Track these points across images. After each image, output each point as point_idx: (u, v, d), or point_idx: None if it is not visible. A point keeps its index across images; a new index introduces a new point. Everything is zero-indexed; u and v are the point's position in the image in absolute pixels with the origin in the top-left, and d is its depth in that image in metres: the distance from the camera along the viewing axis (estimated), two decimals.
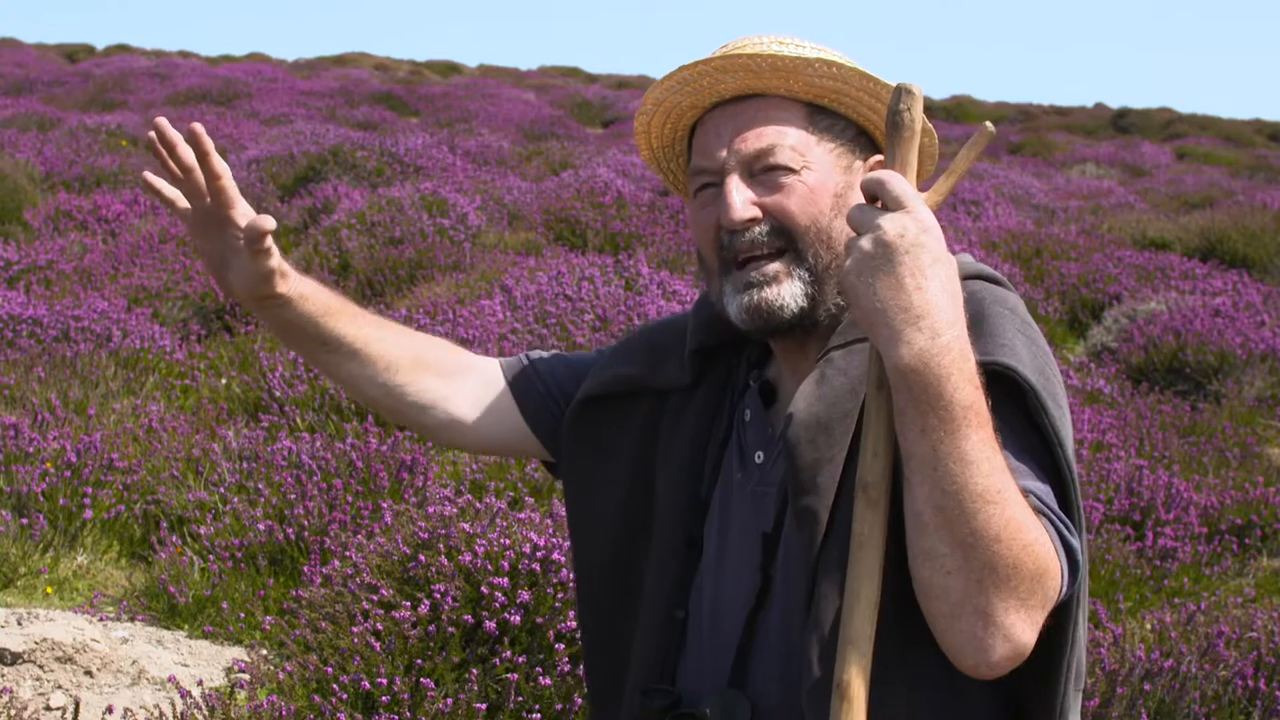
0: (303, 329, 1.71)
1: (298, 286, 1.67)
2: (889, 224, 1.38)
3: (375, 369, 1.75)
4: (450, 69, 37.10)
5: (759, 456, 1.65)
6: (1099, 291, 9.87)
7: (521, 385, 1.83)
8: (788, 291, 1.59)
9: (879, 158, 1.65)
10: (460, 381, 1.80)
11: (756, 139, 1.60)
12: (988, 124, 1.51)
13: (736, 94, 1.63)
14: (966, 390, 1.35)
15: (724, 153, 1.61)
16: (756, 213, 1.59)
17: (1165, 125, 30.66)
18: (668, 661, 1.66)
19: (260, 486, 5.10)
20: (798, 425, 1.54)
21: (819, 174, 1.60)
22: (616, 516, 1.75)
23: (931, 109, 32.41)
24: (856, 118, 1.64)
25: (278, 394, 6.36)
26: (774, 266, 1.59)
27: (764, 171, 1.59)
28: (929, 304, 1.36)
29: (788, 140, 1.60)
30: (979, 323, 1.48)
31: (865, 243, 1.39)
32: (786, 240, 1.59)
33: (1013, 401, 1.47)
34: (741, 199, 1.59)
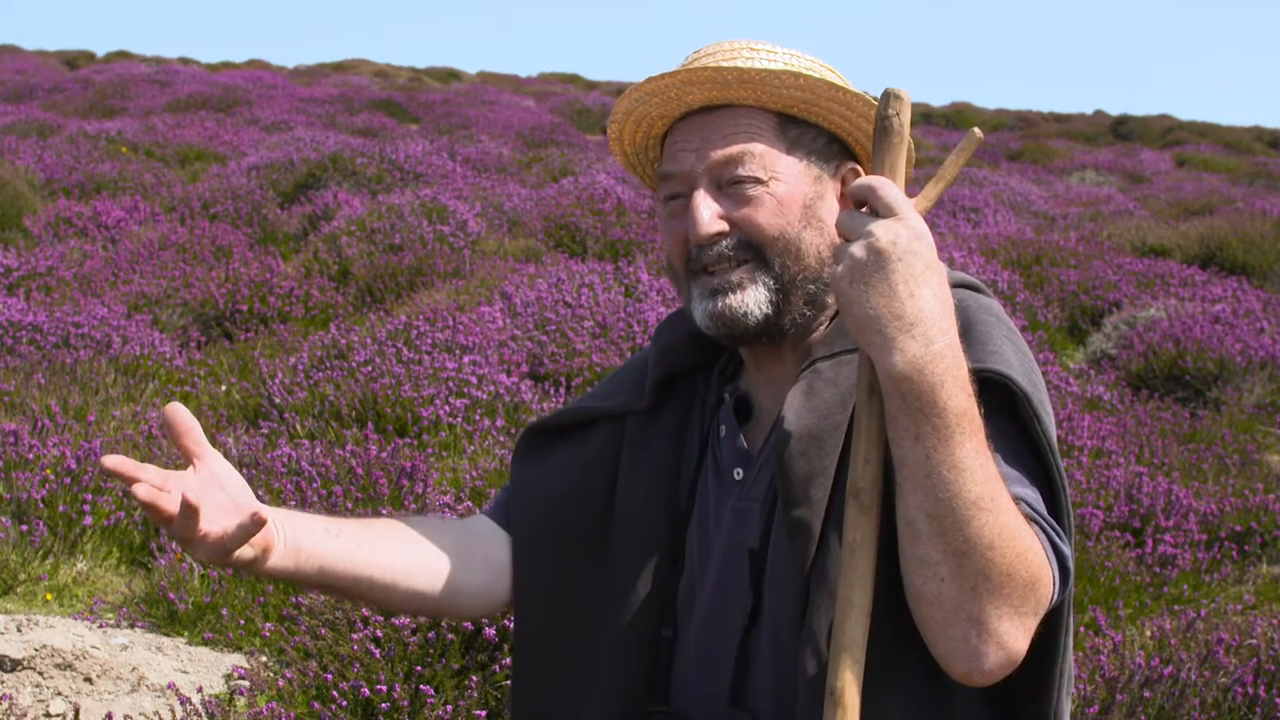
0: (298, 583, 1.62)
1: (281, 561, 1.51)
2: (881, 231, 1.37)
3: (395, 591, 1.64)
4: (450, 76, 37.12)
5: (738, 473, 1.64)
6: (1099, 298, 9.88)
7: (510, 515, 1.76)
8: (751, 298, 1.58)
9: (853, 165, 1.65)
10: (467, 556, 1.71)
11: (724, 150, 1.59)
12: (975, 130, 1.51)
13: (705, 104, 1.62)
14: (959, 398, 1.35)
15: (692, 163, 1.60)
16: (723, 226, 1.58)
17: (1165, 132, 30.69)
18: (657, 683, 1.64)
19: (260, 493, 5.09)
20: (789, 437, 1.53)
21: (788, 185, 1.59)
22: (563, 530, 1.70)
23: (931, 116, 32.40)
24: (828, 126, 1.63)
25: (277, 400, 6.36)
26: (739, 273, 1.59)
27: (732, 183, 1.58)
28: (922, 311, 1.36)
29: (755, 151, 1.58)
30: (968, 331, 1.49)
31: (857, 249, 1.38)
32: (753, 253, 1.58)
33: (1003, 408, 1.47)
34: (709, 213, 1.58)
